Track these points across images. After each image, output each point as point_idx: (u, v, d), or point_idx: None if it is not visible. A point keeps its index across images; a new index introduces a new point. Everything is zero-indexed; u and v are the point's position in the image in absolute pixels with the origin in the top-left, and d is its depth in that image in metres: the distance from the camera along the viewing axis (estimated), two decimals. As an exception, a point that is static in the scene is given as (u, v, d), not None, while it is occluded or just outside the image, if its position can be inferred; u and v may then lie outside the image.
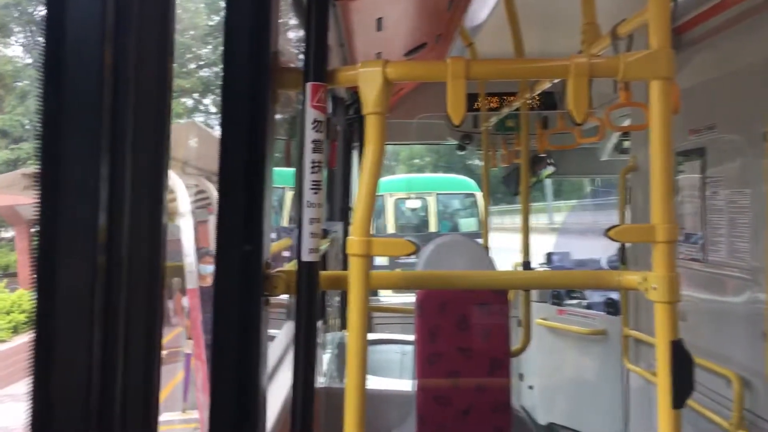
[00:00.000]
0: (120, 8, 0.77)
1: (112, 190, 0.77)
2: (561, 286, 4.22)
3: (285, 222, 8.71)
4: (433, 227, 10.99)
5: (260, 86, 1.11)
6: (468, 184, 12.07)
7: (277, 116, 1.18)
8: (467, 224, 11.45)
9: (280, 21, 1.21)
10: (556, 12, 3.31)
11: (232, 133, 1.10)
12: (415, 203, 11.26)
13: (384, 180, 11.31)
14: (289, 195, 8.77)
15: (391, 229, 10.67)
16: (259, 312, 1.12)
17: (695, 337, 2.84)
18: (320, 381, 3.00)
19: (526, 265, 3.35)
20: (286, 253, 3.03)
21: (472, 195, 11.56)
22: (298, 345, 1.16)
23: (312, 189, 1.14)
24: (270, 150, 1.13)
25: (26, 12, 21.89)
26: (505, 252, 5.71)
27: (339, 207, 4.09)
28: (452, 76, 1.14)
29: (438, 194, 11.32)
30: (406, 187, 11.35)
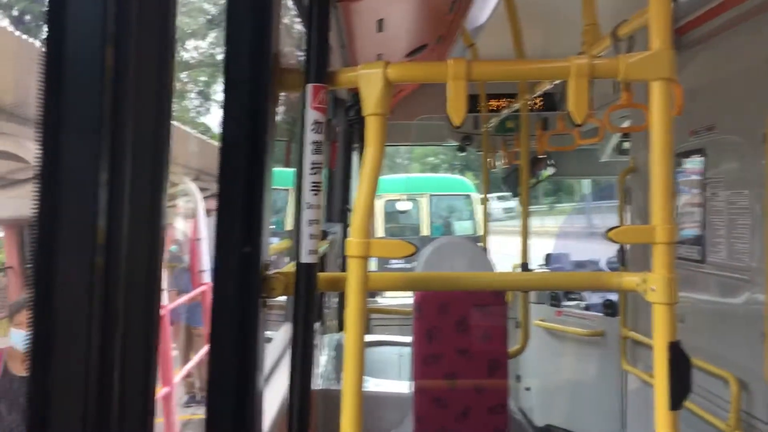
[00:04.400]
0: (121, 9, 0.77)
1: (111, 190, 0.77)
2: (560, 288, 4.22)
3: (289, 225, 8.23)
4: (425, 230, 10.28)
5: (261, 87, 1.10)
6: (464, 184, 11.34)
7: (278, 117, 1.18)
8: (463, 227, 10.78)
9: (281, 22, 1.20)
10: (557, 13, 3.31)
11: (232, 134, 1.10)
12: (407, 205, 10.52)
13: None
14: (294, 197, 8.51)
15: (380, 232, 9.99)
16: (257, 313, 1.11)
17: (693, 339, 2.84)
18: (317, 383, 2.99)
19: (525, 266, 3.35)
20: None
21: (469, 196, 10.87)
22: (296, 347, 1.16)
23: (312, 190, 1.14)
24: (270, 151, 1.13)
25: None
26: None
27: (338, 208, 4.09)
28: (453, 77, 1.14)
29: (431, 195, 10.60)
30: (397, 188, 10.61)
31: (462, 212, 11.12)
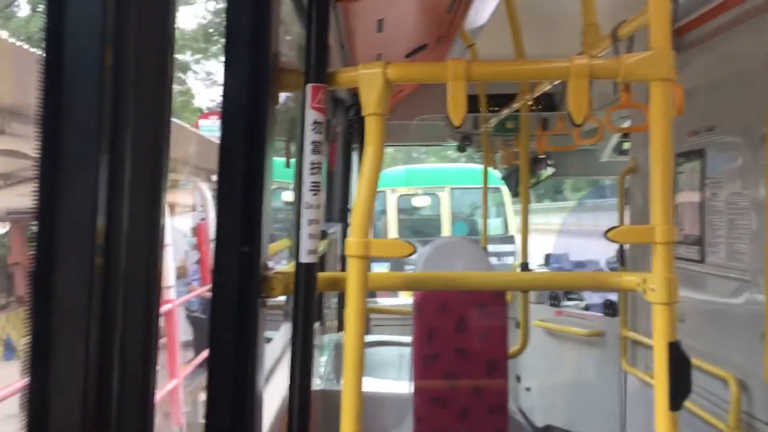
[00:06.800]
0: (120, 9, 0.77)
1: (110, 190, 0.77)
2: (560, 288, 4.21)
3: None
4: (446, 230, 8.66)
5: (261, 87, 1.11)
6: (491, 176, 10.19)
7: (277, 117, 1.18)
8: (491, 226, 8.49)
9: (280, 22, 1.20)
10: (557, 13, 3.31)
11: (232, 134, 1.10)
12: (424, 200, 8.87)
13: (385, 172, 8.33)
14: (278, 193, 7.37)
15: (393, 232, 8.47)
16: (256, 313, 1.11)
17: (693, 339, 2.84)
18: (317, 383, 2.99)
19: (525, 266, 3.35)
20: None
21: (497, 189, 8.60)
22: (295, 347, 1.16)
23: (311, 190, 1.14)
24: (270, 151, 1.13)
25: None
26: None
27: (338, 208, 4.09)
28: (453, 77, 1.14)
29: (453, 189, 8.89)
30: (412, 181, 8.98)
31: (490, 208, 9.02)
